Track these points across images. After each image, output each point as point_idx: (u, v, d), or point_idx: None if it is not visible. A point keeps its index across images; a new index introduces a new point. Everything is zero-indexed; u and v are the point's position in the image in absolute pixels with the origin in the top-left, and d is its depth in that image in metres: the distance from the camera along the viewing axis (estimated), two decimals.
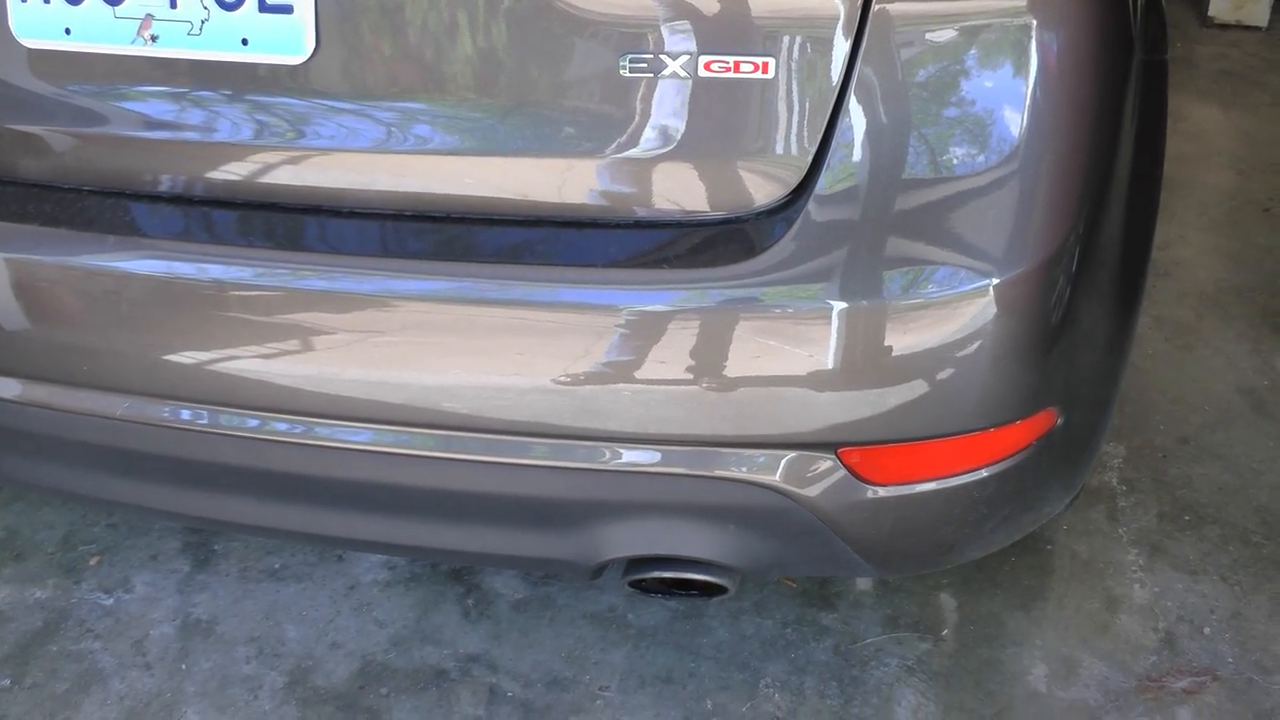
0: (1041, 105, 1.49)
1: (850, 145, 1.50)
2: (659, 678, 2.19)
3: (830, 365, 1.53)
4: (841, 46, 1.47)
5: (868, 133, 1.49)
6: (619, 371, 1.56)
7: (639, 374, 1.56)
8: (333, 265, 1.63)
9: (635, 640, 2.26)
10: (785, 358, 1.53)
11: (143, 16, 1.60)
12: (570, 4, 1.50)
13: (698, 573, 1.76)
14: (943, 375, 1.54)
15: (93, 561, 2.44)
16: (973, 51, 1.49)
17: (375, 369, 1.62)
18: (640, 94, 1.52)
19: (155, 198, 1.72)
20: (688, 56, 1.49)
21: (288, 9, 1.55)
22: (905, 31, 1.47)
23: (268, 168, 1.67)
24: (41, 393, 1.77)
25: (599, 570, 1.80)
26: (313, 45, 1.56)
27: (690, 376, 1.55)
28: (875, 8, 1.46)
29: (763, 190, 1.54)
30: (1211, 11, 5.45)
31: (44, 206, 1.72)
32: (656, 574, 1.78)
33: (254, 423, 1.70)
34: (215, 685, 2.18)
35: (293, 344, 1.65)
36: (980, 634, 2.27)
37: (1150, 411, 2.85)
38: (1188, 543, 2.48)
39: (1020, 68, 1.48)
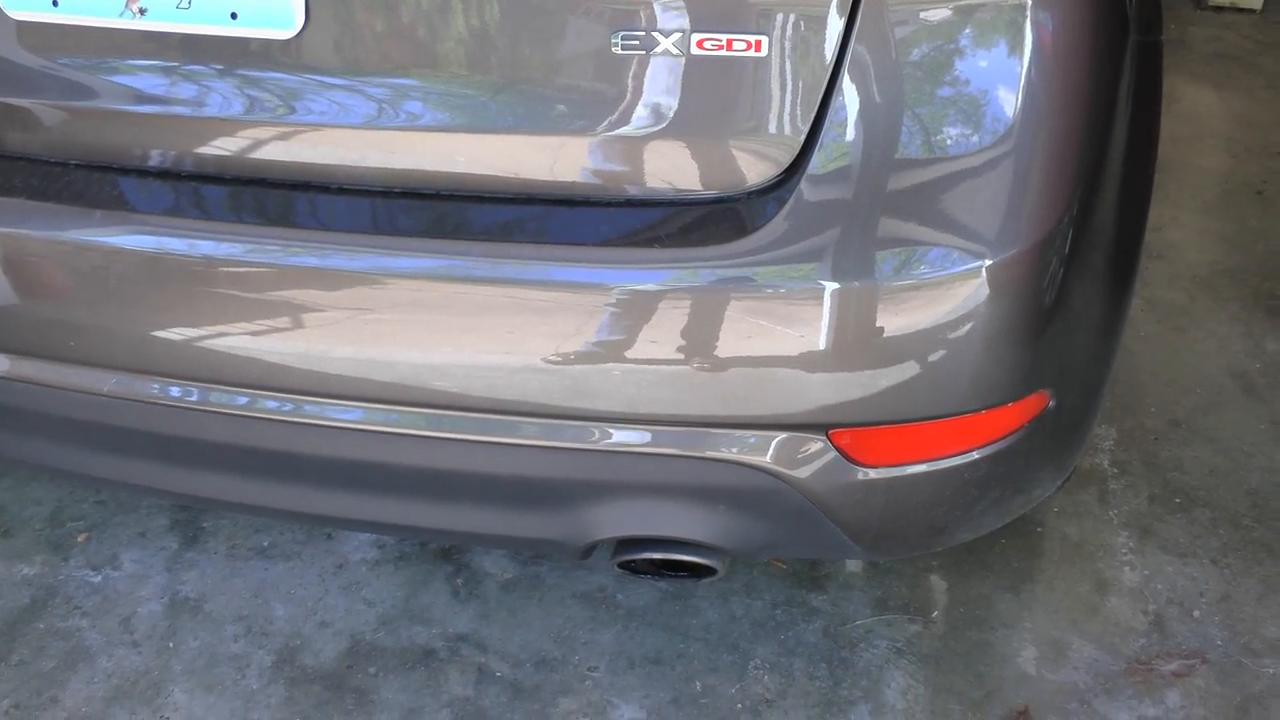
0: (1036, 86, 1.48)
1: (843, 124, 1.49)
2: (648, 658, 2.19)
3: (822, 346, 1.52)
4: (835, 25, 1.46)
5: (861, 112, 1.49)
6: (609, 351, 1.55)
7: (630, 353, 1.55)
8: (323, 242, 1.62)
9: (624, 621, 2.26)
10: (777, 338, 1.52)
11: None
12: None
13: (687, 554, 1.76)
14: (935, 357, 1.54)
15: (81, 538, 2.43)
16: (967, 31, 1.48)
17: (365, 347, 1.61)
18: (632, 72, 1.51)
19: (144, 172, 1.70)
20: (680, 34, 1.48)
21: None
22: (899, 10, 1.46)
23: (258, 143, 1.65)
24: (28, 368, 1.76)
25: (589, 551, 1.80)
26: (302, 20, 1.55)
27: (681, 356, 1.54)
28: None
29: (755, 169, 1.53)
30: None
31: (31, 180, 1.71)
32: (646, 555, 1.78)
33: (243, 400, 1.69)
34: (203, 664, 2.17)
35: (282, 321, 1.64)
36: (970, 616, 2.27)
37: (1142, 394, 2.85)
38: (1178, 525, 2.48)
39: (1015, 48, 1.47)
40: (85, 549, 2.41)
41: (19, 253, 1.70)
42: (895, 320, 1.52)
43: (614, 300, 1.54)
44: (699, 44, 1.48)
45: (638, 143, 1.55)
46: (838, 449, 1.60)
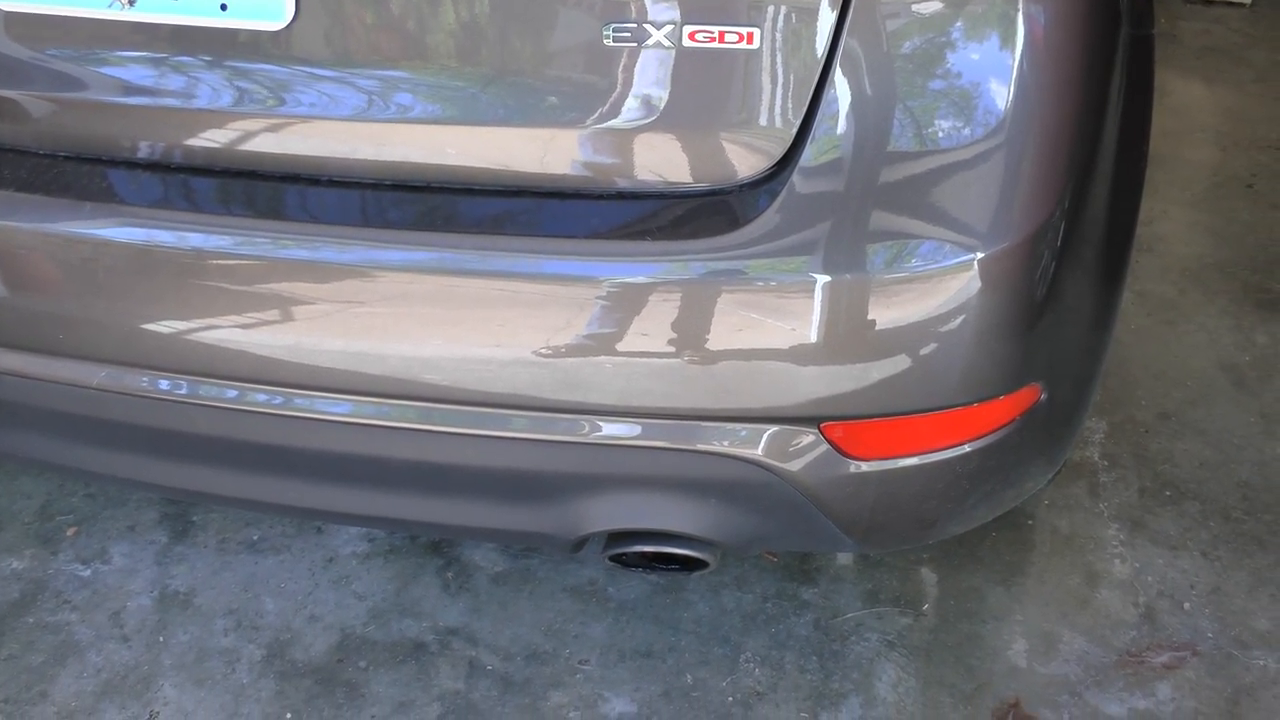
0: (1028, 79, 1.48)
1: (835, 117, 1.49)
2: (639, 652, 2.19)
3: (813, 339, 1.52)
4: (827, 17, 1.46)
5: (853, 105, 1.48)
6: (600, 343, 1.55)
7: (621, 346, 1.55)
8: (313, 234, 1.61)
9: (615, 614, 2.26)
10: (768, 331, 1.52)
11: None
12: None
13: (679, 547, 1.76)
14: (926, 350, 1.54)
15: (70, 532, 2.42)
16: (959, 24, 1.47)
17: (355, 340, 1.60)
18: (623, 64, 1.51)
19: (133, 164, 1.70)
20: (672, 26, 1.48)
21: None
22: (891, 3, 1.46)
23: (247, 135, 1.65)
24: (16, 361, 1.75)
25: (580, 544, 1.79)
26: (292, 11, 1.54)
27: (672, 349, 1.54)
28: None
29: (747, 162, 1.53)
30: None
31: (19, 171, 1.70)
32: (637, 548, 1.78)
33: (232, 393, 1.68)
34: (193, 658, 2.17)
35: (272, 314, 1.63)
36: (961, 609, 2.27)
37: (1132, 387, 2.86)
38: (1168, 518, 2.49)
39: (1007, 41, 1.47)
40: (75, 543, 2.40)
41: (8, 245, 1.69)
42: (887, 313, 1.51)
43: (605, 293, 1.54)
44: (691, 36, 1.48)
45: (629, 135, 1.55)
46: (829, 442, 1.60)
